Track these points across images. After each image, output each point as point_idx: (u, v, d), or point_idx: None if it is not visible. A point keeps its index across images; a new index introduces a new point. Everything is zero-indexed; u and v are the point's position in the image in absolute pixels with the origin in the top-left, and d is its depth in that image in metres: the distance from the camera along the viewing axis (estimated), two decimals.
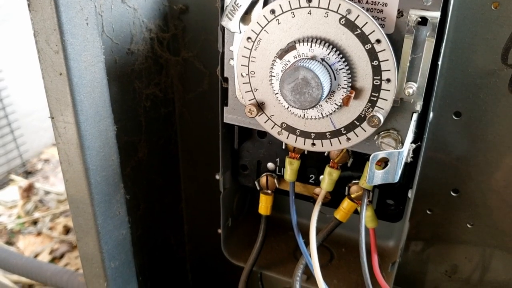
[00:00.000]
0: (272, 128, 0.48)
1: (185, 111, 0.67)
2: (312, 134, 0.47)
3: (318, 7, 0.41)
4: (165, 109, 0.65)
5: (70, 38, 0.42)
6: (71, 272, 1.08)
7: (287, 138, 0.48)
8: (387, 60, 0.40)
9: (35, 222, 2.02)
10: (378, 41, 0.40)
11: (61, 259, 1.87)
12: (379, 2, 0.41)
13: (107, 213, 0.52)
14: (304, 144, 0.47)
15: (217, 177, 0.56)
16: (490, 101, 0.52)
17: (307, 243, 0.53)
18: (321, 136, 0.46)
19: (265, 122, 0.48)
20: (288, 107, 0.44)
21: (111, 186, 0.52)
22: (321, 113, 0.44)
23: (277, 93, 0.44)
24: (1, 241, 1.91)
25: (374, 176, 0.39)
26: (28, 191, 2.15)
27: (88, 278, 0.58)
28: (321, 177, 0.53)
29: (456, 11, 0.49)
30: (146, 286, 0.69)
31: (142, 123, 0.61)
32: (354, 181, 0.53)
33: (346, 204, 0.53)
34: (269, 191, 0.57)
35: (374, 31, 0.40)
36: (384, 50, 0.40)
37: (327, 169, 0.52)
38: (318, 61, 0.41)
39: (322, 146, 0.47)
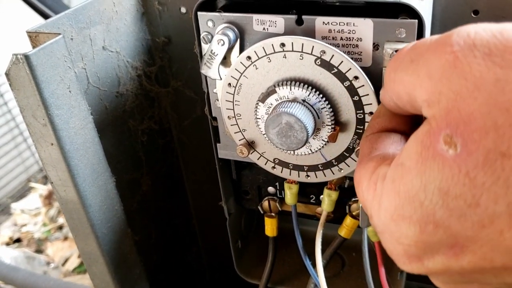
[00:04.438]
0: (265, 164, 0.49)
1: (183, 137, 0.68)
2: (305, 167, 0.47)
3: (292, 51, 0.41)
4: (162, 139, 0.66)
5: (56, 110, 0.43)
6: None
7: (281, 172, 0.49)
8: (367, 94, 0.41)
9: (60, 227, 2.08)
10: (356, 77, 0.40)
11: None
12: (353, 38, 0.41)
13: (119, 259, 0.54)
14: (299, 177, 0.48)
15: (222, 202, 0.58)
16: None
17: (314, 263, 0.54)
18: (314, 168, 0.47)
19: (258, 159, 0.49)
20: None
21: (117, 234, 0.53)
22: (310, 149, 0.44)
23: (265, 134, 0.44)
24: (31, 250, 1.97)
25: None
26: (49, 197, 2.19)
27: None
28: (321, 196, 0.54)
29: (438, 20, 0.48)
30: None
31: (142, 157, 0.62)
32: (353, 199, 0.53)
33: (348, 221, 0.54)
34: (273, 214, 0.58)
35: (350, 68, 0.40)
36: (363, 85, 0.40)
37: (326, 191, 0.52)
38: (300, 103, 0.41)
39: (316, 177, 0.47)
